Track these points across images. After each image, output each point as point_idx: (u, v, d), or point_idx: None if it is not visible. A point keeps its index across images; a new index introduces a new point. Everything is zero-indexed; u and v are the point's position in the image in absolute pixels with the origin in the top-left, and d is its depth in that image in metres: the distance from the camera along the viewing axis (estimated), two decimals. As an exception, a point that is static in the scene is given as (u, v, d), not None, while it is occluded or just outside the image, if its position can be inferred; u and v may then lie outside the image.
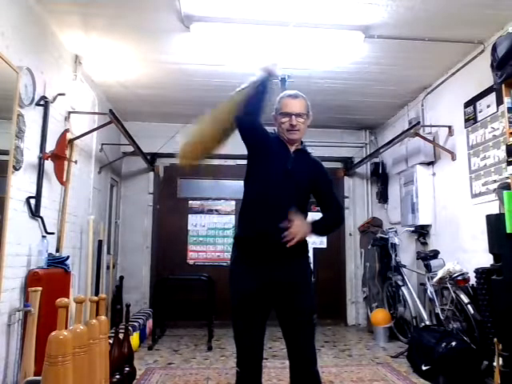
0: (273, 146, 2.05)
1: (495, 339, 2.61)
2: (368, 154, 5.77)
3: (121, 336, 3.05)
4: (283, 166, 2.00)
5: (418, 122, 4.30)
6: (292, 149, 2.07)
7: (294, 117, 2.01)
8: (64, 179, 3.53)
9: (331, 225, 2.14)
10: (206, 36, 3.37)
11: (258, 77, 2.17)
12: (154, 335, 4.56)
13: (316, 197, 2.12)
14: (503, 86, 2.74)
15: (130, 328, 3.61)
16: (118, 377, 2.78)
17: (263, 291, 1.96)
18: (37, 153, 3.05)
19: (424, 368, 3.23)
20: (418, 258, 4.23)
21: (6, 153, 2.57)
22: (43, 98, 3.12)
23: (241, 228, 2.10)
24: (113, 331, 3.09)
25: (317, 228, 2.02)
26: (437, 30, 3.34)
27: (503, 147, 3.10)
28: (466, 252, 3.68)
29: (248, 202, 2.05)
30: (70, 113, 3.67)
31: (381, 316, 4.66)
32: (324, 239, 5.78)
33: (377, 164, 5.70)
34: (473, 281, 3.25)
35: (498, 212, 2.93)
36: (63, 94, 3.43)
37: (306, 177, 2.04)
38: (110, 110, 3.85)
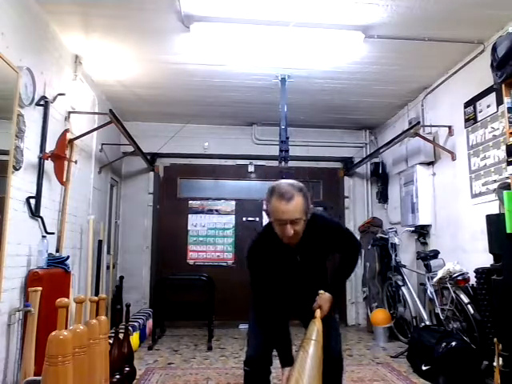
0: (274, 256, 1.94)
1: (495, 339, 2.61)
2: (368, 154, 5.77)
3: (121, 336, 3.05)
4: (292, 263, 1.98)
5: (418, 122, 4.30)
6: (294, 244, 1.92)
7: (288, 226, 1.75)
8: (64, 179, 3.53)
9: (348, 270, 2.13)
10: (206, 36, 3.37)
11: None
12: (154, 335, 4.56)
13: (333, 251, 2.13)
14: (503, 85, 2.74)
15: (130, 328, 3.61)
16: (117, 377, 2.78)
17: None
18: (37, 153, 3.05)
19: (424, 368, 3.23)
20: (418, 258, 4.23)
21: (6, 153, 2.56)
22: (43, 97, 3.11)
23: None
24: (113, 331, 3.09)
25: (336, 291, 2.07)
26: (437, 30, 3.34)
27: (503, 147, 3.10)
28: (466, 252, 3.68)
29: (264, 300, 2.00)
30: (70, 113, 3.67)
31: (381, 316, 4.66)
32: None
33: (377, 164, 5.70)
34: (473, 281, 3.25)
35: (498, 212, 2.93)
36: (63, 94, 3.43)
37: (320, 251, 2.05)
38: (110, 110, 3.85)
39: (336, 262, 2.12)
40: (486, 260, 3.01)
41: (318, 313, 1.97)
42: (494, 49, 2.79)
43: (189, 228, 5.83)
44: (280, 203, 1.73)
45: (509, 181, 2.78)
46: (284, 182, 1.84)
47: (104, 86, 4.45)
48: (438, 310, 3.68)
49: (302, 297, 2.08)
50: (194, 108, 5.17)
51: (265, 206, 1.87)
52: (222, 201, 5.90)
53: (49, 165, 3.23)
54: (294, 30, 3.26)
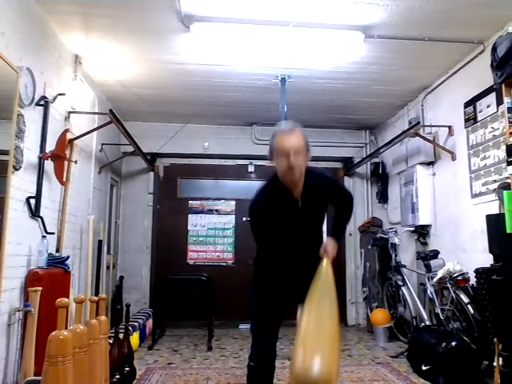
0: (277, 204, 1.97)
1: (495, 339, 2.61)
2: (368, 154, 5.77)
3: (121, 336, 3.05)
4: (294, 211, 2.00)
5: (418, 122, 4.30)
6: (297, 193, 1.99)
7: (292, 155, 1.84)
8: (64, 179, 3.53)
9: (345, 218, 2.24)
10: (206, 36, 3.37)
11: None
12: (154, 335, 4.56)
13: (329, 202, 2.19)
14: (503, 85, 2.74)
15: (130, 328, 3.61)
16: (117, 377, 2.79)
17: (286, 292, 2.04)
18: (37, 153, 3.05)
19: (424, 368, 3.23)
20: (418, 258, 4.23)
21: (6, 153, 2.56)
22: (43, 98, 3.11)
23: (263, 270, 2.11)
24: (113, 331, 3.09)
25: (338, 235, 2.17)
26: (437, 30, 3.34)
27: (503, 147, 3.10)
28: (466, 252, 3.68)
29: (267, 251, 2.07)
30: (70, 113, 3.67)
31: (381, 316, 4.66)
32: (324, 239, 5.77)
33: (377, 164, 5.70)
34: (473, 281, 3.25)
35: (498, 212, 2.93)
36: (63, 94, 3.43)
37: (319, 202, 2.08)
38: (110, 110, 3.85)
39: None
40: (486, 260, 3.01)
41: (325, 258, 2.01)
42: (494, 49, 2.79)
43: (189, 228, 5.83)
44: (283, 136, 1.89)
45: (509, 181, 2.78)
46: (284, 122, 2.08)
47: (104, 85, 4.45)
48: (438, 310, 3.68)
49: (301, 258, 2.05)
50: (194, 108, 5.17)
51: (268, 153, 1.97)
52: (222, 201, 5.90)
53: (49, 165, 3.23)
54: (293, 30, 3.26)
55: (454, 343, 3.09)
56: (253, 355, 1.99)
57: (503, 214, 2.56)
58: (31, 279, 2.78)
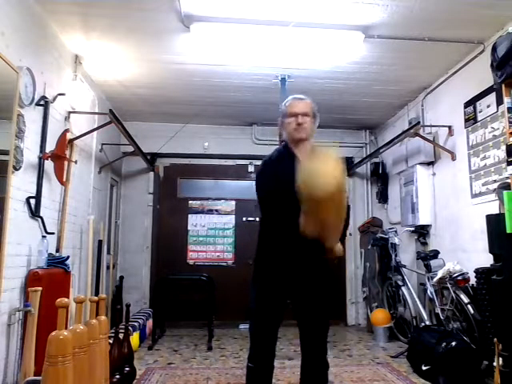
0: (283, 165, 1.98)
1: (495, 339, 2.61)
2: (368, 154, 5.77)
3: (121, 336, 3.05)
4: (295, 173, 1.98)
5: (418, 122, 4.30)
6: (300, 154, 2.00)
7: (300, 116, 2.01)
8: (64, 179, 3.53)
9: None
10: (206, 36, 3.37)
11: None
12: (154, 335, 4.56)
13: None
14: (503, 85, 2.74)
15: (130, 328, 3.61)
16: (117, 377, 2.79)
17: (284, 284, 1.98)
18: (37, 153, 3.05)
19: (424, 368, 3.23)
20: (418, 258, 4.23)
21: (6, 153, 2.56)
22: (43, 98, 3.11)
23: (265, 243, 2.07)
24: (113, 331, 3.09)
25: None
26: (437, 30, 3.34)
27: (503, 147, 3.10)
28: (466, 252, 3.68)
29: (270, 226, 2.04)
30: (70, 113, 3.67)
31: (381, 316, 4.66)
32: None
33: (377, 164, 5.70)
34: (473, 281, 3.25)
35: (498, 212, 2.93)
36: (63, 94, 3.43)
37: None
38: (110, 110, 3.85)
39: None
40: (486, 260, 3.01)
41: None
42: (494, 49, 2.79)
43: (189, 228, 5.83)
44: (293, 101, 2.09)
45: (509, 181, 2.78)
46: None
47: (104, 85, 4.45)
48: (438, 310, 3.68)
49: (304, 243, 1.89)
50: (194, 108, 5.17)
51: (279, 122, 2.13)
52: (222, 201, 5.90)
53: (49, 165, 3.23)
54: (293, 30, 3.26)
55: (454, 343, 3.09)
56: (251, 356, 1.99)
57: (503, 214, 2.56)
58: (31, 279, 2.78)
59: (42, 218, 3.07)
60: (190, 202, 5.88)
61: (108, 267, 4.84)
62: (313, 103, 2.11)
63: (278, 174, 1.96)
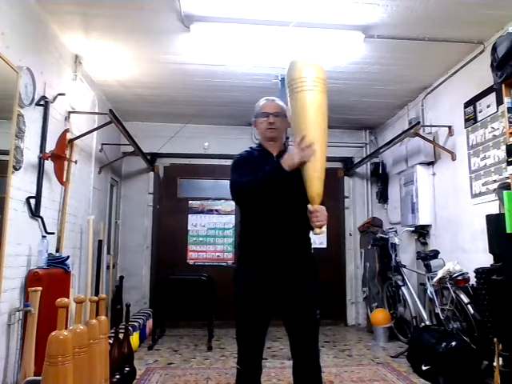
0: (256, 164, 2.01)
1: (495, 339, 2.61)
2: (368, 154, 5.77)
3: (121, 336, 3.05)
4: None
5: (418, 122, 4.30)
6: (275, 153, 2.10)
7: (271, 116, 2.11)
8: (64, 179, 3.53)
9: None
10: (206, 36, 3.37)
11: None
12: (154, 335, 4.56)
13: None
14: (503, 85, 2.74)
15: (129, 328, 3.61)
16: (117, 377, 2.79)
17: (267, 286, 1.95)
18: (37, 153, 3.04)
19: (424, 368, 3.23)
20: (418, 258, 4.23)
21: (6, 153, 2.56)
22: (43, 97, 3.11)
23: (246, 243, 2.07)
24: (113, 331, 3.09)
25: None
26: (437, 29, 3.34)
27: (503, 147, 3.10)
28: (466, 252, 3.68)
29: (249, 222, 2.06)
30: (69, 113, 3.67)
31: (381, 316, 4.66)
32: (324, 239, 5.78)
33: (377, 164, 5.70)
34: (473, 281, 3.25)
35: (498, 212, 2.93)
36: (63, 94, 3.43)
37: (295, 172, 1.97)
38: (110, 110, 3.85)
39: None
40: (486, 260, 3.01)
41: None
42: (494, 49, 2.78)
43: (189, 228, 5.83)
44: (265, 102, 2.22)
45: (509, 181, 2.78)
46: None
47: (104, 85, 4.45)
48: (438, 310, 3.68)
49: (285, 240, 1.97)
50: (194, 108, 5.17)
51: (253, 120, 2.23)
52: (222, 201, 5.90)
53: (49, 165, 3.23)
54: (293, 30, 3.26)
55: (454, 343, 3.09)
56: (239, 359, 1.97)
57: (503, 214, 2.56)
58: (31, 279, 2.78)
59: (42, 217, 3.07)
60: (190, 202, 5.88)
61: (108, 267, 4.84)
62: (284, 105, 2.20)
63: (256, 171, 1.96)
